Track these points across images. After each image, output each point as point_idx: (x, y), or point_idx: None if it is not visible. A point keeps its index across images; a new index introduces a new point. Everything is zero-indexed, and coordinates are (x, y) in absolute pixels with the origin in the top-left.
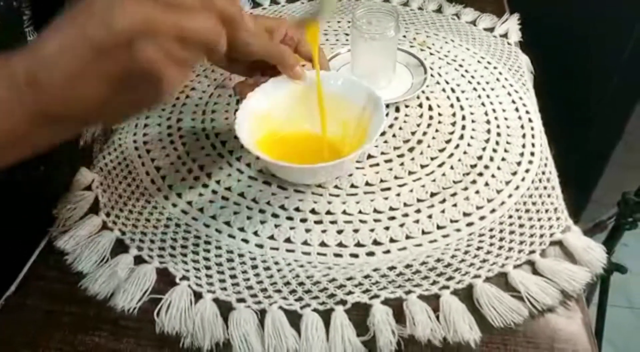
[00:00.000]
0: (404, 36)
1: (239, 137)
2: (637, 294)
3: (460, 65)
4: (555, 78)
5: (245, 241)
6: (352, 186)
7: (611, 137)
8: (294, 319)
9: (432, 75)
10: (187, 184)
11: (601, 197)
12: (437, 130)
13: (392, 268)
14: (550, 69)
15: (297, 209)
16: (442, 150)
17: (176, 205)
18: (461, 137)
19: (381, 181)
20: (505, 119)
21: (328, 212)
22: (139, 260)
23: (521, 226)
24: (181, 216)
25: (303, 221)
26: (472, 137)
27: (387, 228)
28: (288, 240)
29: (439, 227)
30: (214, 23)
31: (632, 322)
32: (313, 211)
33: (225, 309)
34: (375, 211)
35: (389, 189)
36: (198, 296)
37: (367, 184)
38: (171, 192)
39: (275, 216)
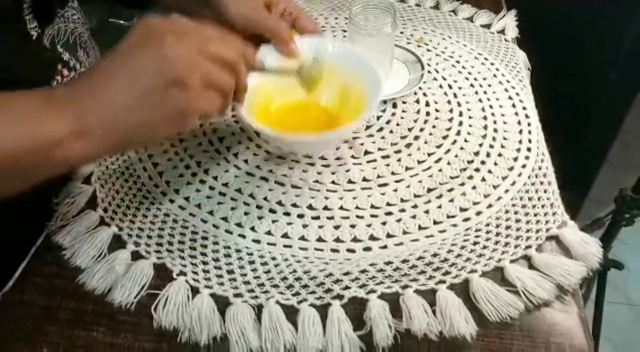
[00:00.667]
0: (402, 32)
1: (238, 115)
2: (635, 291)
3: (458, 62)
4: (552, 75)
5: (243, 236)
6: (350, 181)
7: (608, 135)
8: (291, 314)
9: (429, 71)
10: (185, 180)
11: (598, 195)
12: (434, 126)
13: (388, 263)
14: (547, 65)
15: (294, 205)
16: (439, 146)
17: (173, 201)
18: (458, 133)
19: (378, 176)
20: (502, 114)
21: (325, 208)
22: (136, 255)
23: (517, 221)
24: (178, 212)
25: (300, 216)
26: (469, 133)
27: (384, 223)
28: (285, 235)
29: (435, 223)
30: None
31: (630, 319)
32: (310, 207)
33: (222, 304)
34: (372, 206)
35: (386, 184)
36: (195, 291)
37: (364, 179)
38: (169, 188)
39: (272, 211)
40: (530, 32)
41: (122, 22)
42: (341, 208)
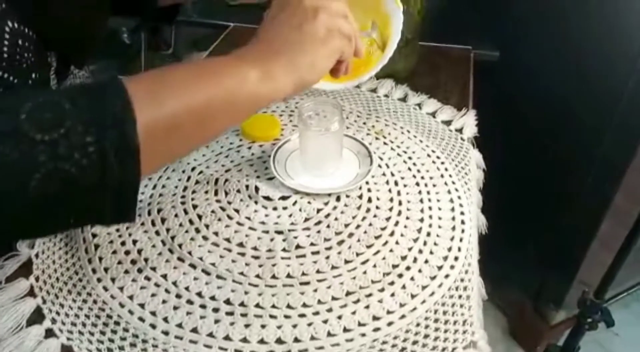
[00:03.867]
0: (364, 123)
1: None
2: None
3: (410, 158)
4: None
5: (153, 326)
6: (273, 276)
7: (597, 214)
8: None
9: (379, 165)
10: (117, 258)
11: (586, 276)
12: (370, 224)
13: None
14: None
15: (212, 298)
16: (370, 246)
17: (101, 280)
18: (392, 233)
19: (302, 273)
20: (439, 218)
21: (242, 304)
22: (49, 333)
23: (426, 336)
24: (101, 292)
25: (215, 310)
26: (402, 235)
27: (294, 326)
28: (194, 330)
29: (345, 330)
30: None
31: None
32: (227, 301)
33: None
34: (288, 306)
35: (307, 283)
36: None
37: (288, 276)
38: (100, 267)
39: (189, 302)
40: (497, 131)
41: None
42: (257, 306)
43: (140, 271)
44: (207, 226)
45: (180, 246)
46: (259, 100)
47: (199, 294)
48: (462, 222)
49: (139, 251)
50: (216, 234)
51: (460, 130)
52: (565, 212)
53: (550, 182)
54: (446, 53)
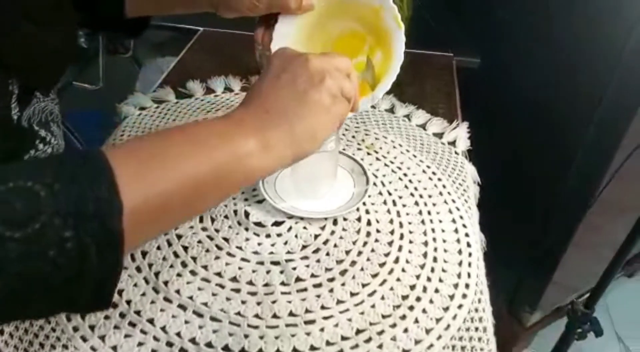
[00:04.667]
0: (353, 137)
1: None
2: None
3: (405, 175)
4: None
5: None
6: (275, 315)
7: (572, 220)
8: None
9: (375, 183)
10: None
11: (562, 278)
12: (372, 250)
13: None
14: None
15: (208, 345)
16: (375, 275)
17: (77, 329)
18: (396, 260)
19: (306, 310)
20: (444, 241)
21: (242, 351)
22: None
23: None
24: (79, 344)
25: None
26: (407, 261)
27: None
28: None
29: None
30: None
31: None
32: (226, 348)
33: None
34: (294, 350)
35: (313, 322)
36: None
37: (290, 314)
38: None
39: (183, 351)
40: (484, 142)
41: (86, 85)
42: (259, 351)
43: (122, 315)
44: (194, 259)
45: (166, 283)
46: (255, 174)
47: (193, 341)
48: (468, 244)
49: (120, 292)
50: (205, 268)
51: (452, 143)
52: (541, 217)
53: (526, 187)
54: (428, 60)
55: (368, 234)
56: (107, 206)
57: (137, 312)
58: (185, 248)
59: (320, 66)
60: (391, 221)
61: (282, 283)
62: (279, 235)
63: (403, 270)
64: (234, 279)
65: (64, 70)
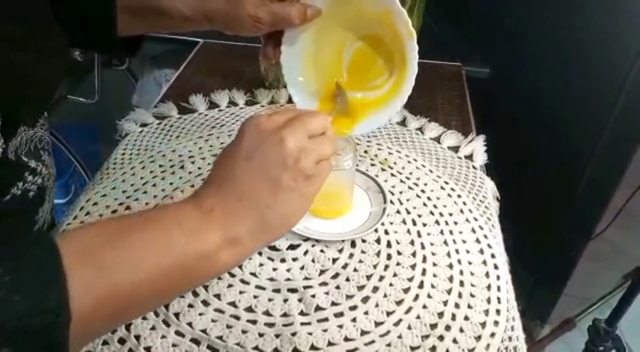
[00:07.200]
0: (366, 152)
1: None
2: None
3: (423, 191)
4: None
5: None
6: (295, 350)
7: (583, 233)
8: None
9: (392, 201)
10: (100, 338)
11: (572, 290)
12: (395, 274)
13: None
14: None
15: None
16: (399, 302)
17: None
18: (421, 285)
19: (329, 343)
20: (470, 263)
21: None
22: None
23: None
24: None
25: None
26: (433, 286)
27: None
28: None
29: None
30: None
31: None
32: None
33: None
34: None
35: None
36: None
37: (312, 347)
38: None
39: None
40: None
41: (81, 99)
42: None
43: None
44: (205, 288)
45: (177, 315)
46: (222, 269)
47: None
48: (495, 266)
49: (127, 327)
50: (218, 297)
51: (469, 157)
52: (554, 231)
53: (538, 200)
54: (437, 70)
55: (389, 256)
56: (53, 319)
57: (147, 349)
58: None
59: (294, 146)
60: (412, 242)
61: (301, 312)
62: (294, 259)
63: (429, 296)
64: (249, 309)
65: (50, 102)
